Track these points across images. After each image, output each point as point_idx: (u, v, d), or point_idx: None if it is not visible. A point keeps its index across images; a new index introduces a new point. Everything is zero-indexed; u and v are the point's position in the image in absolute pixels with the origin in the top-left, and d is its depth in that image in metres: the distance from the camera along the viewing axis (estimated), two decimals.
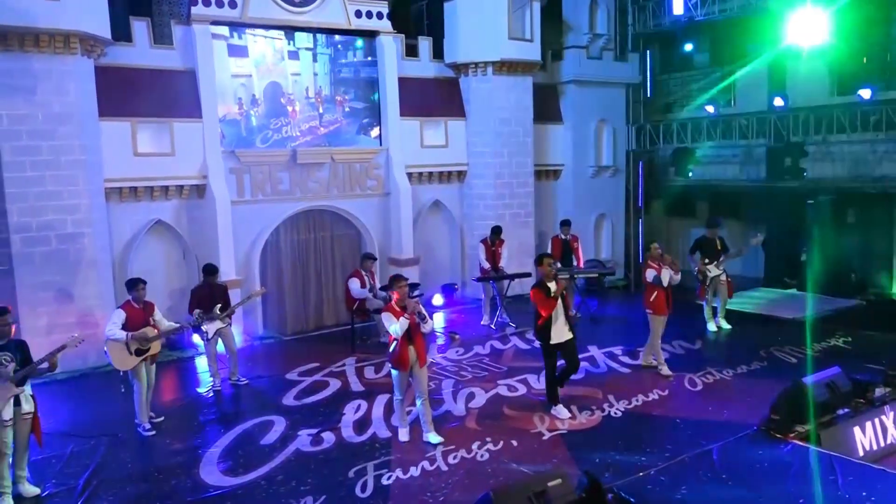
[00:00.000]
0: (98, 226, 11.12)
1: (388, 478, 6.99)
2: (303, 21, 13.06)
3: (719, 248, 12.32)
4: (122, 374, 8.51)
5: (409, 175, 14.43)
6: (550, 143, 16.59)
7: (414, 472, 7.11)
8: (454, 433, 8.03)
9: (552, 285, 8.35)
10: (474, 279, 13.66)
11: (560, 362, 8.58)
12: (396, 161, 14.10)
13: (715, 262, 12.19)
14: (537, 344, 11.28)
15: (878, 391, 8.56)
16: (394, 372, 7.78)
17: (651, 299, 9.98)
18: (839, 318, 12.93)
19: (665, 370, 9.95)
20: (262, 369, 10.79)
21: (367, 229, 13.96)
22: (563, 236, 13.36)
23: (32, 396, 6.88)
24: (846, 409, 8.30)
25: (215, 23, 12.27)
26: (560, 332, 8.38)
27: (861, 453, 7.86)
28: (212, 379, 9.94)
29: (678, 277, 10.05)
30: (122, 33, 11.72)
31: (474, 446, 7.65)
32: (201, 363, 10.91)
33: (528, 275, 13.63)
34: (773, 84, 16.08)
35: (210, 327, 9.69)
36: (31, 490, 6.90)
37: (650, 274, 9.91)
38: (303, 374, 10.41)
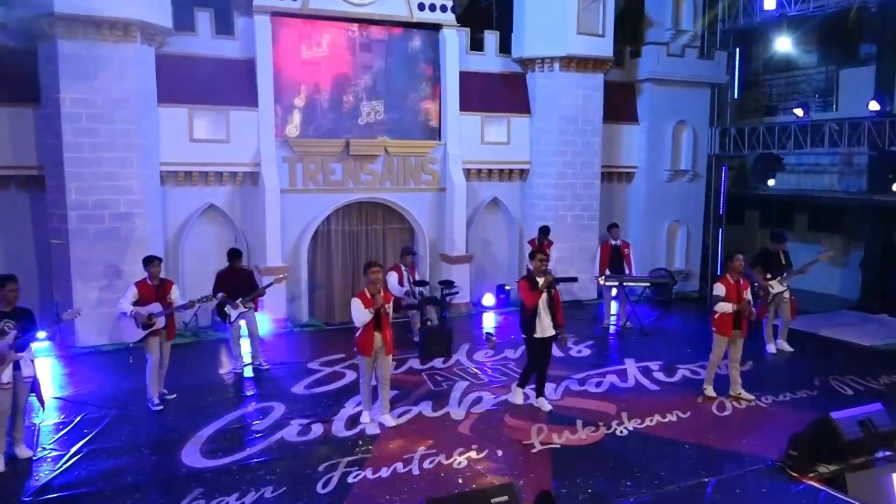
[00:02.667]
0: (150, 207, 11.60)
1: (355, 476, 6.82)
2: (364, 13, 13.09)
3: (783, 262, 11.31)
4: (131, 345, 8.85)
5: (468, 171, 14.18)
6: (623, 143, 15.83)
7: (384, 472, 6.90)
8: (443, 437, 7.75)
9: (540, 280, 8.35)
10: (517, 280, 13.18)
11: None
12: (453, 156, 13.89)
13: (778, 278, 11.21)
14: (574, 353, 11.06)
15: None
16: (359, 357, 7.96)
17: (716, 317, 9.08)
18: None
19: (709, 391, 9.21)
20: (289, 356, 10.93)
21: (419, 224, 13.84)
22: (612, 241, 12.66)
23: (33, 362, 7.21)
24: (888, 452, 7.36)
25: (276, 14, 12.53)
26: (544, 328, 8.39)
27: None
28: (234, 361, 10.16)
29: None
30: (187, 23, 12.19)
31: (456, 452, 7.34)
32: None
33: (574, 279, 13.10)
34: (881, 86, 14.64)
35: (233, 311, 9.88)
36: (24, 452, 7.24)
37: (718, 289, 8.97)
38: (324, 363, 10.43)
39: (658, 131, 15.78)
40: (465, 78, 13.99)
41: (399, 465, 7.05)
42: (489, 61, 14.50)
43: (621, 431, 8.00)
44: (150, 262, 8.73)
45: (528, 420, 8.28)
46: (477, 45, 14.47)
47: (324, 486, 6.63)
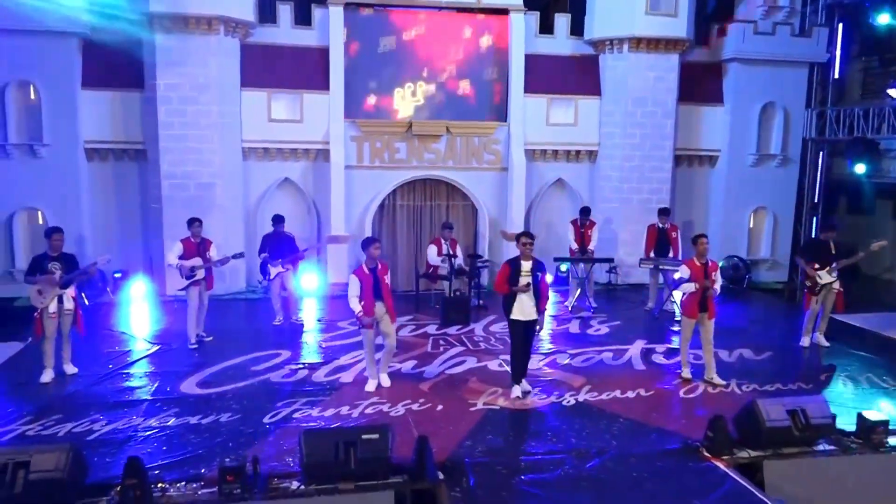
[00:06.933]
0: (230, 178, 13.34)
1: (302, 413, 7.83)
2: (432, 0, 13.90)
3: (833, 252, 10.71)
4: (178, 290, 10.48)
5: (532, 152, 14.60)
6: (706, 126, 15.33)
7: (328, 413, 7.85)
8: (399, 390, 8.52)
9: (525, 264, 8.25)
10: (554, 259, 13.37)
11: None
12: (516, 136, 14.36)
13: (827, 268, 10.64)
14: (591, 331, 11.33)
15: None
16: (362, 330, 8.51)
17: (683, 299, 9.24)
18: None
19: (686, 373, 9.24)
20: (328, 314, 12.18)
21: (480, 202, 14.50)
22: (659, 225, 12.56)
23: (74, 298, 8.94)
24: (831, 447, 7.14)
25: (349, 4, 13.70)
26: (523, 310, 8.22)
27: None
28: (277, 314, 11.56)
29: (717, 288, 9.07)
30: (272, 16, 13.77)
31: (400, 404, 8.09)
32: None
33: (610, 260, 13.13)
34: None
35: (272, 270, 11.27)
36: (71, 369, 9.04)
37: (683, 271, 9.10)
38: (352, 323, 11.45)
39: (744, 113, 15.11)
40: (533, 60, 14.38)
41: (344, 409, 7.97)
42: (559, 44, 14.73)
43: (569, 401, 8.31)
44: (192, 223, 10.27)
45: (491, 384, 8.82)
46: (549, 28, 14.74)
47: (271, 418, 7.70)
